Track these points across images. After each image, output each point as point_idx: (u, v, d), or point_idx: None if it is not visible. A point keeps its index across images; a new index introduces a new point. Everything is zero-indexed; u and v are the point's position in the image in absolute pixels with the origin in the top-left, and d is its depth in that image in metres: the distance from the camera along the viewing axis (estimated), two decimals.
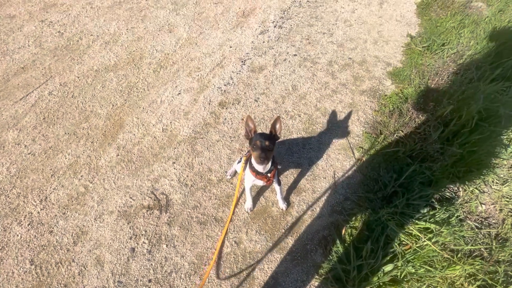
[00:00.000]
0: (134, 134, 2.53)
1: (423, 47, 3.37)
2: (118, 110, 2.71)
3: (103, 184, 2.23)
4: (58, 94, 2.80)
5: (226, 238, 1.98)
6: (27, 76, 2.93)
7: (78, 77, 2.96)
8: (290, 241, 1.99)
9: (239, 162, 2.24)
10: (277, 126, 1.66)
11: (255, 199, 2.17)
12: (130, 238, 1.97)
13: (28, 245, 1.92)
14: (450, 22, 3.69)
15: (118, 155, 2.39)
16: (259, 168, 1.67)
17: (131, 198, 2.16)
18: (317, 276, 1.85)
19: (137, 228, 2.02)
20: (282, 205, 2.11)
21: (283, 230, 2.03)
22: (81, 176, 2.26)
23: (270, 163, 1.66)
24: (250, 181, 1.83)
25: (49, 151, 2.40)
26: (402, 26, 3.80)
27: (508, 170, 2.48)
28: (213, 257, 1.85)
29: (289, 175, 2.32)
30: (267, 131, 1.75)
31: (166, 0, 3.97)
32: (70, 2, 3.84)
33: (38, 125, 2.57)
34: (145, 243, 1.95)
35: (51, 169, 2.29)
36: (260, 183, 1.80)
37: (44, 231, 1.99)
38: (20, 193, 2.15)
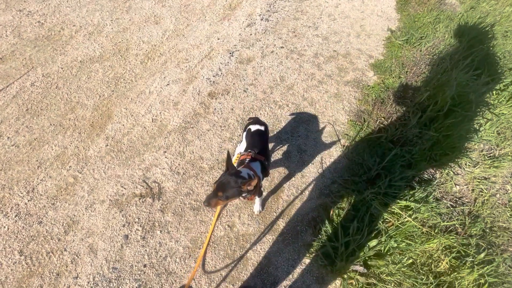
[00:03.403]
0: (123, 125, 2.52)
1: (402, 40, 3.55)
2: (105, 101, 2.67)
3: (93, 174, 2.21)
4: (41, 85, 2.72)
5: (219, 222, 2.03)
6: (6, 67, 2.82)
7: (62, 68, 2.88)
8: (281, 223, 2.07)
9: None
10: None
11: None
12: (123, 226, 1.98)
13: (16, 236, 1.88)
14: (427, 17, 3.89)
15: (107, 145, 2.37)
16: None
17: (122, 187, 2.15)
18: (307, 254, 1.95)
19: (129, 216, 2.02)
20: (256, 208, 2.08)
21: (275, 213, 2.11)
22: (70, 166, 2.23)
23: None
24: None
25: (34, 142, 2.34)
26: (383, 21, 3.96)
27: (479, 154, 2.69)
28: (205, 240, 1.90)
29: (279, 162, 2.40)
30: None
31: None
32: None
33: (21, 116, 2.49)
34: (138, 230, 1.96)
35: (37, 161, 2.24)
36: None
37: (33, 222, 1.95)
38: (4, 185, 2.10)
